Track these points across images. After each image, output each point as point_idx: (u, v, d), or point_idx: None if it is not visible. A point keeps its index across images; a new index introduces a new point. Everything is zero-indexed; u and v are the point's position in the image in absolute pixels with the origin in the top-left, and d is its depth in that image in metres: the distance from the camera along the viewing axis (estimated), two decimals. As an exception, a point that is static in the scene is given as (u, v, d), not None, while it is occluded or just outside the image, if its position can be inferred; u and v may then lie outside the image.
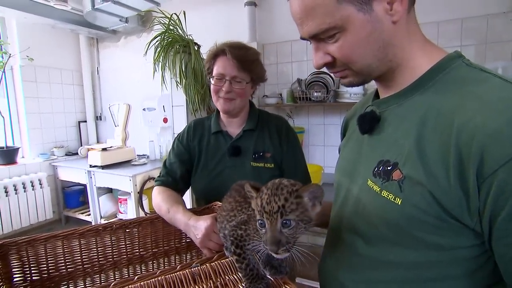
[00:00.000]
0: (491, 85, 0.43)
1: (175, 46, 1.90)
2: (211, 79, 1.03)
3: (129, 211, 2.73)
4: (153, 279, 0.60)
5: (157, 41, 1.95)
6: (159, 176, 1.09)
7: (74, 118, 3.39)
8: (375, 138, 0.56)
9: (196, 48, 2.05)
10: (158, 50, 1.93)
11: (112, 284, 0.58)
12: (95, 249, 0.91)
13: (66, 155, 3.18)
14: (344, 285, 0.58)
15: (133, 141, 3.02)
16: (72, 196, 3.15)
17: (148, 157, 3.00)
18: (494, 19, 1.90)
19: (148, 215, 2.62)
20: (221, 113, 1.10)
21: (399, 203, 0.46)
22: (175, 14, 2.01)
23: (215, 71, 1.00)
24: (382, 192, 0.49)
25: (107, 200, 2.95)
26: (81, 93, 3.42)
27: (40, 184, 2.87)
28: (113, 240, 0.93)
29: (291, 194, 0.48)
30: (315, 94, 2.26)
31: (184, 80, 1.94)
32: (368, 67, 0.51)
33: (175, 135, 2.24)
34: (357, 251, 0.56)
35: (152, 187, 2.86)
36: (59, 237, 0.86)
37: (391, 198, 0.47)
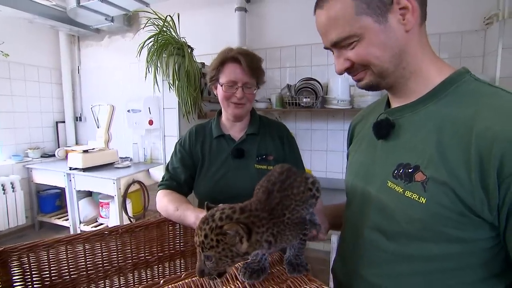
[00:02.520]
0: (503, 97, 0.50)
1: (169, 48, 1.88)
2: (220, 86, 1.02)
3: (112, 215, 2.62)
4: (180, 282, 0.60)
5: (150, 42, 1.91)
6: (162, 181, 1.08)
7: (51, 118, 3.21)
8: (390, 143, 0.61)
9: (189, 51, 2.04)
10: (151, 51, 1.89)
11: (141, 287, 0.57)
12: (99, 254, 0.87)
13: (41, 157, 3.00)
14: (367, 279, 0.61)
15: (116, 143, 2.92)
16: (48, 200, 2.98)
17: (131, 159, 2.91)
18: (467, 35, 2.07)
19: (132, 219, 2.55)
20: (225, 118, 1.11)
21: (424, 202, 0.51)
22: (169, 16, 1.98)
23: (225, 79, 1.00)
24: (406, 193, 0.53)
25: (87, 204, 2.82)
26: (60, 92, 3.25)
27: (13, 187, 2.68)
28: (119, 244, 0.90)
29: (212, 231, 0.48)
30: (305, 99, 2.31)
31: (177, 82, 1.91)
32: (385, 70, 0.56)
33: (166, 138, 2.20)
34: (379, 247, 0.59)
35: (135, 191, 2.77)
36: (63, 242, 0.82)
37: (415, 197, 0.52)
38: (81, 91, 3.32)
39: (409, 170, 0.54)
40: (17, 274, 0.76)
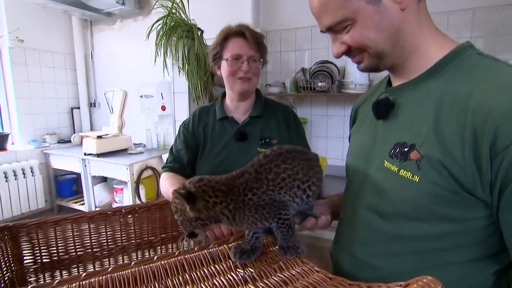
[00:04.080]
0: (503, 71, 0.49)
1: (178, 31, 1.90)
2: (225, 62, 1.04)
3: (125, 201, 2.75)
4: (172, 259, 0.63)
5: (159, 25, 1.94)
6: (166, 163, 1.12)
7: (66, 104, 3.36)
8: (390, 123, 0.62)
9: (199, 34, 2.05)
10: (160, 34, 1.92)
11: (133, 263, 0.61)
12: (104, 234, 0.93)
13: (58, 142, 3.17)
14: (359, 259, 0.64)
15: (129, 129, 3.02)
16: (65, 185, 3.15)
17: (144, 146, 3.01)
18: (506, 10, 1.93)
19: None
20: (229, 99, 1.13)
21: (417, 181, 0.52)
22: (179, -4, 2.00)
23: (229, 53, 1.02)
24: (400, 172, 0.55)
25: (102, 189, 2.96)
26: (74, 78, 3.39)
27: (32, 172, 2.86)
28: (122, 225, 0.95)
29: (173, 198, 0.60)
30: (320, 84, 2.28)
31: (186, 66, 1.94)
32: (382, 51, 0.56)
33: (176, 123, 2.26)
34: (373, 227, 0.61)
35: (149, 177, 2.87)
36: (69, 220, 0.89)
37: (409, 176, 0.53)
38: (94, 76, 3.44)
39: (405, 149, 0.55)
40: (27, 248, 0.84)
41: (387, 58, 0.57)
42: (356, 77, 2.20)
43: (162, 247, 1.01)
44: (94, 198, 2.86)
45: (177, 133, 1.17)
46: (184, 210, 0.59)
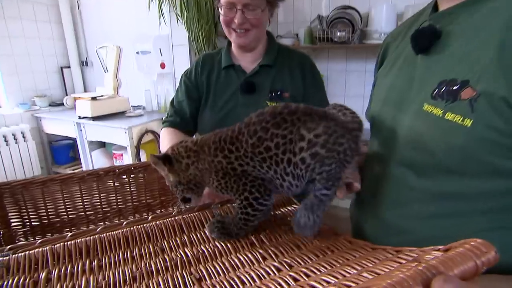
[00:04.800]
0: None
1: (174, -30, 1.77)
2: (219, 9, 0.96)
3: (125, 168, 2.77)
4: (169, 219, 0.61)
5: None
6: (166, 117, 1.08)
7: (55, 62, 3.30)
8: (434, 57, 0.55)
9: (198, -26, 1.92)
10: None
11: (124, 223, 0.59)
12: (97, 195, 0.92)
13: (50, 105, 3.15)
14: (386, 222, 0.60)
15: (126, 90, 2.97)
16: (61, 151, 3.19)
17: (144, 108, 2.97)
18: None
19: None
20: (234, 46, 1.06)
21: (469, 125, 0.46)
22: None
23: None
24: (446, 115, 0.49)
25: (100, 155, 2.98)
26: (61, 33, 3.28)
27: (24, 137, 2.88)
28: (117, 186, 0.93)
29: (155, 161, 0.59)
30: (339, 33, 2.15)
31: (185, 13, 1.83)
32: None
33: (177, 81, 2.19)
34: (406, 185, 0.56)
35: (150, 141, 2.86)
36: (57, 181, 0.86)
37: (458, 120, 0.47)
38: (83, 30, 3.33)
39: (454, 87, 0.48)
40: (13, 210, 0.83)
41: None
42: (381, 25, 2.06)
43: (162, 210, 0.99)
44: (92, 164, 2.89)
45: (178, 83, 1.12)
46: (167, 175, 0.60)
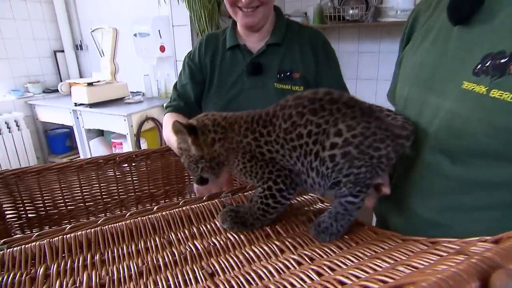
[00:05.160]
0: None
1: None
2: None
3: (125, 157, 2.75)
4: (176, 209, 0.58)
5: None
6: (169, 102, 1.06)
7: (47, 46, 3.25)
8: (475, 29, 0.50)
9: None
10: None
11: (128, 214, 0.56)
12: (97, 185, 0.89)
13: (44, 92, 3.12)
14: (417, 214, 0.57)
15: (125, 76, 2.93)
16: (57, 140, 3.17)
17: (143, 94, 2.94)
18: None
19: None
20: (240, 25, 1.01)
21: None
22: None
23: None
24: (491, 92, 0.44)
25: (99, 144, 2.96)
26: (53, 14, 3.22)
27: (18, 125, 2.86)
28: (118, 175, 0.91)
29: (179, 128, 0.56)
30: (351, 11, 2.09)
31: (185, -10, 1.78)
32: None
33: (178, 65, 2.14)
34: (440, 173, 0.53)
35: (150, 129, 2.84)
36: (53, 170, 0.84)
37: (507, 97, 0.43)
38: (76, 11, 3.26)
39: (502, 61, 0.44)
40: (8, 201, 0.81)
41: None
42: (398, 1, 1.99)
43: (167, 200, 0.97)
44: (90, 153, 2.88)
45: (182, 66, 1.08)
46: (188, 149, 0.56)
